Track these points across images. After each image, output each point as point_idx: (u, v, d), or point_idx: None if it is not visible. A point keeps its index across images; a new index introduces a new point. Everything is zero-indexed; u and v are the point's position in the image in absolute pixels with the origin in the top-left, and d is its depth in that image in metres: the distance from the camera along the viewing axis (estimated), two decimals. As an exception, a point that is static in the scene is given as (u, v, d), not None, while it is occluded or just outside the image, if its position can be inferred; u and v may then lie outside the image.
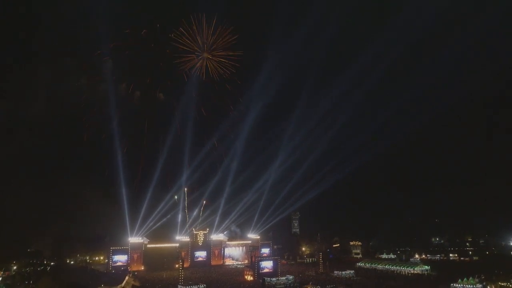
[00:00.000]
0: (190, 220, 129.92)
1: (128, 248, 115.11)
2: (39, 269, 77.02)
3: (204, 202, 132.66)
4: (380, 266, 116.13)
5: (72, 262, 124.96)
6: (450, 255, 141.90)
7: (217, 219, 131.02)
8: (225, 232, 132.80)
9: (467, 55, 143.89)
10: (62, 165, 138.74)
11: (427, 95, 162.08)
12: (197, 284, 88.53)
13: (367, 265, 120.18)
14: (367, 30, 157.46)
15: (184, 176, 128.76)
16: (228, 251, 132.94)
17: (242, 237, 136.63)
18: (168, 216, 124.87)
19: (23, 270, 73.43)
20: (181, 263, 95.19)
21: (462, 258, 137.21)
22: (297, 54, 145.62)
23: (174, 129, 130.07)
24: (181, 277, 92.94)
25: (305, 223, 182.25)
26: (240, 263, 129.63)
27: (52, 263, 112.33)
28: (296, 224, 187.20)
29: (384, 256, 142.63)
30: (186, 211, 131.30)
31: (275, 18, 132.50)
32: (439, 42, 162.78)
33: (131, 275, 70.87)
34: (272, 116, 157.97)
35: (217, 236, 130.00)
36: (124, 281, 69.31)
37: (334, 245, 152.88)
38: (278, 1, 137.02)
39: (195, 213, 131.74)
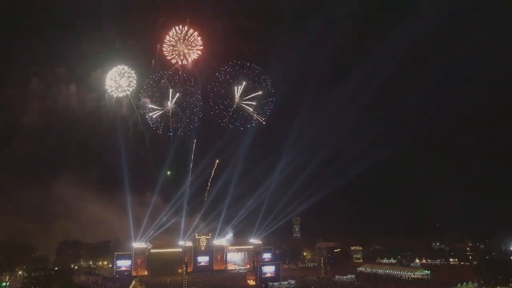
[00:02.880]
0: (193, 225, 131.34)
1: (132, 253, 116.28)
2: (45, 273, 78.14)
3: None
4: (380, 271, 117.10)
5: (76, 267, 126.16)
6: (450, 259, 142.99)
7: (220, 224, 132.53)
8: (226, 238, 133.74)
9: (464, 63, 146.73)
10: (66, 171, 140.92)
11: (426, 101, 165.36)
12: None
13: (368, 270, 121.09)
14: (369, 40, 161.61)
15: (188, 182, 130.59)
16: (230, 256, 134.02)
17: (241, 242, 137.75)
18: (172, 221, 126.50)
19: (32, 274, 74.92)
20: (184, 268, 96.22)
21: (462, 263, 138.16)
22: (299, 62, 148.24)
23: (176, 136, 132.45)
24: (185, 281, 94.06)
25: (306, 228, 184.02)
26: (242, 268, 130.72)
27: (56, 268, 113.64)
28: (297, 229, 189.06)
29: (385, 261, 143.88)
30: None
31: (276, 28, 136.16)
32: (437, 52, 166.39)
33: (137, 279, 72.38)
34: (274, 122, 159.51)
35: (220, 241, 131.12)
36: (131, 286, 70.79)
37: (335, 250, 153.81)
38: (279, 11, 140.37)
39: (198, 218, 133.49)
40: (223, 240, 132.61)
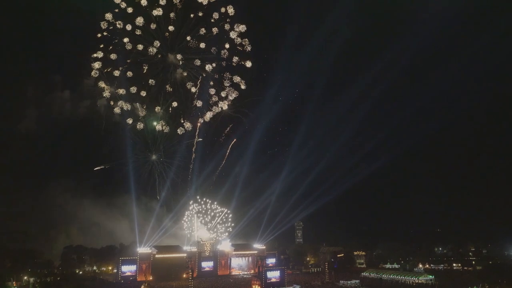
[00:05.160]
0: (198, 229, 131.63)
1: (137, 259, 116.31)
2: (54, 278, 78.63)
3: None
4: (385, 276, 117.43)
5: (80, 272, 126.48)
6: (454, 264, 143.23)
7: (224, 229, 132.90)
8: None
9: (466, 72, 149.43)
10: (71, 177, 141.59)
11: (430, 106, 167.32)
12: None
13: (372, 275, 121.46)
14: (371, 47, 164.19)
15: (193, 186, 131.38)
16: (234, 261, 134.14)
17: (245, 248, 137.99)
18: (177, 226, 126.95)
19: (42, 279, 75.22)
20: (190, 273, 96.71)
21: (465, 268, 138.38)
22: (303, 69, 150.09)
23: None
24: (191, 286, 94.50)
25: (309, 233, 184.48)
26: (246, 273, 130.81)
27: (64, 272, 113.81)
28: (299, 234, 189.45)
29: (388, 265, 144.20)
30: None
31: (281, 35, 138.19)
32: (441, 59, 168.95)
33: (146, 284, 72.77)
34: (278, 129, 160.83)
35: (224, 246, 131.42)
36: (140, 290, 71.19)
37: (338, 255, 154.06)
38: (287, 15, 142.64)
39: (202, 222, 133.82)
40: (228, 245, 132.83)
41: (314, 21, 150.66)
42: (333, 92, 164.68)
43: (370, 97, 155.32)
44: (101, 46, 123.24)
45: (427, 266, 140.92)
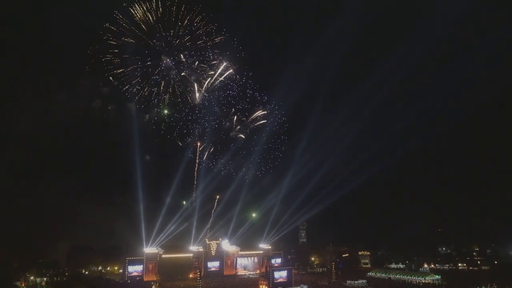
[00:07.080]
0: (205, 230, 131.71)
1: (143, 259, 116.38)
2: (63, 278, 78.54)
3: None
4: (392, 276, 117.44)
5: (86, 272, 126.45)
6: (459, 264, 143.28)
7: (230, 229, 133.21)
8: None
9: (468, 76, 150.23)
10: (77, 176, 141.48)
11: (433, 109, 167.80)
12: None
13: (378, 275, 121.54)
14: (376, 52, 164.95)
15: (199, 188, 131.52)
16: (240, 261, 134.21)
17: (251, 248, 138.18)
18: (183, 226, 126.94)
19: (54, 279, 75.09)
20: (198, 273, 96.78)
21: (471, 268, 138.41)
22: (308, 72, 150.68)
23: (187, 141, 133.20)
24: (199, 286, 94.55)
25: (312, 233, 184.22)
26: (251, 273, 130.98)
27: (66, 274, 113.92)
28: (303, 235, 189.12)
29: (393, 265, 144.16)
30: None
31: (287, 39, 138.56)
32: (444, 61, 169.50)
33: (157, 284, 72.84)
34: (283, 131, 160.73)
35: (230, 247, 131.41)
36: (151, 290, 71.35)
37: (343, 255, 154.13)
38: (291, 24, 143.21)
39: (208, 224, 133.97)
40: (234, 245, 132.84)
41: (319, 24, 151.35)
42: (338, 95, 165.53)
43: (373, 98, 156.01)
44: (92, 61, 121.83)
45: (433, 266, 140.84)
